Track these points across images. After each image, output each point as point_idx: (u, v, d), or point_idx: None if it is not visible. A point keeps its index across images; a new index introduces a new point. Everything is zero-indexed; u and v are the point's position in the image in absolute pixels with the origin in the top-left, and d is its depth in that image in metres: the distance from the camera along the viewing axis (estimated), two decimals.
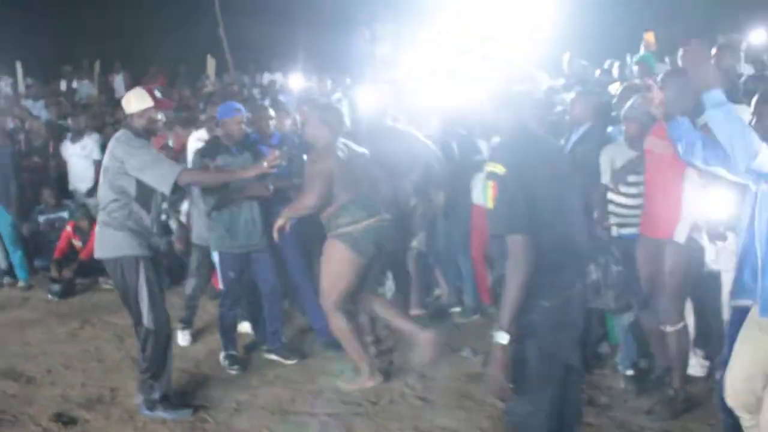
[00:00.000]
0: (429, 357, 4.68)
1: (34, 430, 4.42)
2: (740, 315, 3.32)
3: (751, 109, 3.38)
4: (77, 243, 7.40)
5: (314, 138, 4.78)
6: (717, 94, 3.07)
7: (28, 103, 11.33)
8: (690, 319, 4.41)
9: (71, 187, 8.15)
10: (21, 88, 12.86)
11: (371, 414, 4.41)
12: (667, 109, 3.57)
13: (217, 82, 12.87)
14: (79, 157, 8.01)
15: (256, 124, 5.73)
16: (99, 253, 4.46)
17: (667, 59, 9.01)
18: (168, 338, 4.47)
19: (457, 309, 6.06)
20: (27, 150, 8.61)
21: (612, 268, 3.70)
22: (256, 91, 12.09)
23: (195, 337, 5.79)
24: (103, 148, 7.01)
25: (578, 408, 3.17)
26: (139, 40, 17.36)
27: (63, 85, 13.52)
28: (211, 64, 13.46)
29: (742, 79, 5.31)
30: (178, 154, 7.05)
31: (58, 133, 8.80)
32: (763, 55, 6.65)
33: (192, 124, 7.66)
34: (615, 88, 6.50)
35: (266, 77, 14.13)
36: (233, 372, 5.09)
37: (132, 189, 4.31)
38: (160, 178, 4.24)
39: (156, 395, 4.45)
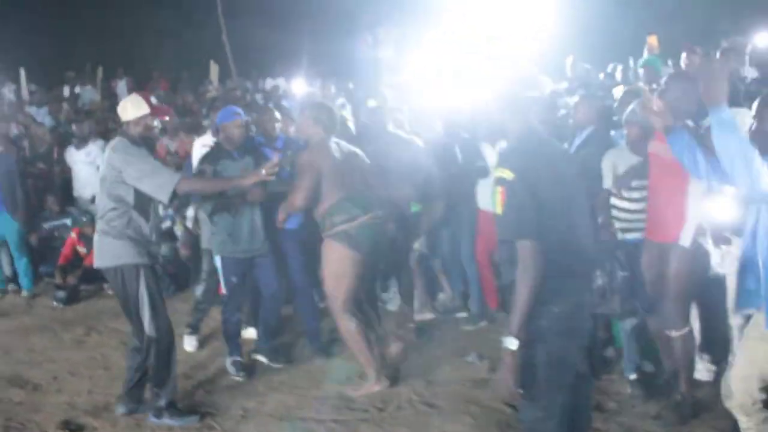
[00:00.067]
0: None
1: None
2: None
3: (753, 112, 3.38)
4: (82, 249, 7.40)
5: (306, 136, 4.83)
6: (724, 114, 3.05)
7: (31, 110, 11.36)
8: (695, 324, 4.41)
9: (76, 193, 8.16)
10: (24, 94, 12.90)
11: (378, 420, 4.41)
12: (671, 112, 3.59)
13: (220, 88, 12.90)
14: (83, 163, 8.02)
15: (262, 126, 5.76)
16: (99, 263, 4.44)
17: (670, 62, 9.01)
18: (171, 345, 4.46)
19: (463, 314, 6.05)
20: (31, 156, 8.63)
21: (618, 273, 3.70)
22: (259, 96, 12.12)
23: (201, 343, 5.79)
24: None
25: (588, 414, 3.17)
26: (140, 40, 17.40)
27: (66, 91, 13.56)
28: (214, 69, 13.48)
29: (747, 81, 5.32)
30: (182, 161, 7.07)
31: (62, 139, 8.82)
32: None
33: (195, 130, 7.69)
34: (618, 92, 6.50)
35: (269, 82, 14.17)
36: (239, 378, 5.09)
37: (130, 197, 4.29)
38: (159, 187, 4.23)
39: (162, 402, 4.45)
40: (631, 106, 4.50)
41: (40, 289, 7.57)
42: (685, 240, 4.02)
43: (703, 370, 4.52)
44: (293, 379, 5.05)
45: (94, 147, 8.01)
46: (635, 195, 4.48)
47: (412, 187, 5.29)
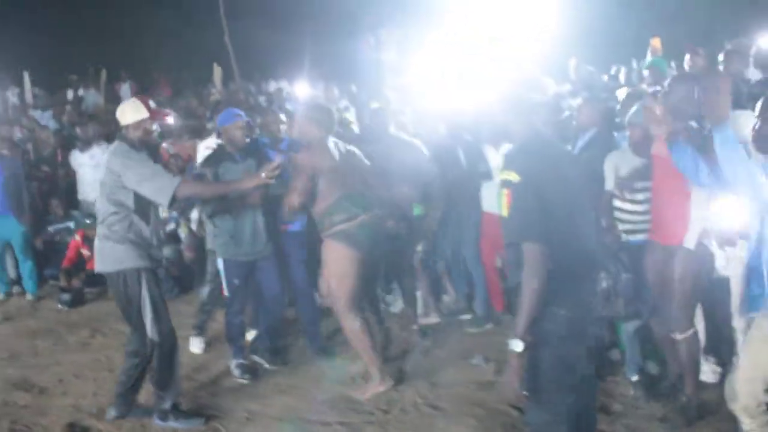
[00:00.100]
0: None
1: None
2: None
3: (756, 112, 3.39)
4: (86, 252, 7.40)
5: (304, 136, 4.86)
6: (727, 132, 3.14)
7: (35, 114, 11.39)
8: (700, 326, 4.41)
9: (80, 196, 8.17)
10: (28, 97, 12.92)
11: (383, 423, 4.41)
12: (674, 114, 3.62)
13: (223, 91, 12.92)
14: (88, 166, 8.03)
15: (266, 128, 5.76)
16: (100, 267, 4.43)
17: (673, 64, 9.00)
18: (173, 348, 4.46)
19: (467, 316, 6.05)
20: (35, 160, 8.65)
21: (621, 276, 3.70)
22: (262, 99, 12.13)
23: (206, 345, 5.79)
24: None
25: (593, 416, 3.17)
26: (140, 41, 17.40)
27: (70, 94, 13.59)
28: (217, 72, 13.49)
29: (751, 83, 5.30)
30: (186, 164, 7.09)
31: (66, 143, 8.84)
32: None
33: (199, 133, 7.71)
34: (622, 94, 6.50)
35: (272, 85, 14.18)
36: (244, 381, 5.10)
37: (130, 202, 4.28)
38: (159, 191, 4.22)
39: (167, 405, 4.46)
40: (633, 108, 4.50)
41: (45, 291, 7.58)
42: (690, 242, 4.02)
43: (708, 372, 4.52)
44: (298, 382, 5.05)
45: (98, 150, 8.02)
46: (639, 197, 4.48)
47: (412, 189, 5.31)
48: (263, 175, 4.32)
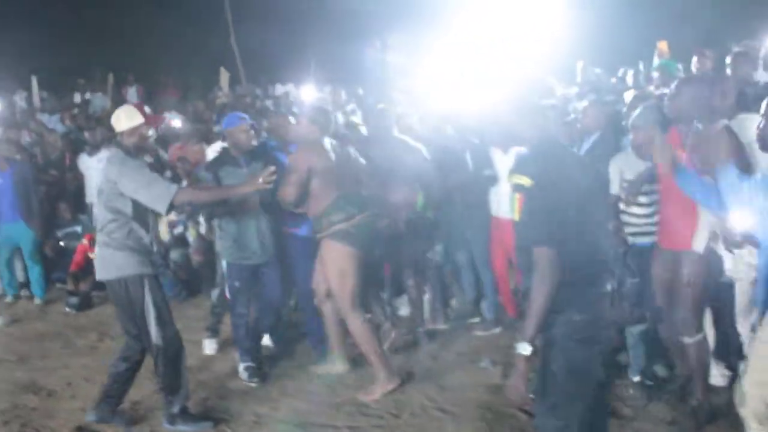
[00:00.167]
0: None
1: None
2: None
3: (762, 111, 3.39)
4: (93, 256, 7.42)
5: (301, 136, 4.90)
6: (731, 175, 3.41)
7: (43, 117, 11.42)
8: (709, 329, 4.39)
9: (88, 200, 8.18)
10: (36, 101, 12.97)
11: (392, 426, 4.41)
12: (680, 115, 3.64)
13: (230, 94, 12.94)
14: (96, 170, 8.00)
15: (276, 131, 5.77)
16: (101, 275, 4.42)
17: (680, 66, 8.97)
18: (179, 352, 4.45)
19: (475, 320, 6.04)
20: (43, 163, 8.67)
21: (627, 280, 3.69)
22: (269, 103, 12.14)
23: (218, 347, 5.79)
24: None
25: (605, 421, 3.16)
26: (145, 43, 17.41)
27: (77, 98, 13.63)
28: (224, 76, 13.52)
29: (759, 86, 5.28)
30: (193, 168, 7.09)
31: (74, 146, 8.86)
32: None
33: (206, 137, 7.72)
34: (629, 96, 6.49)
35: (279, 88, 14.19)
36: (252, 384, 5.10)
37: (128, 209, 4.28)
38: (156, 198, 4.21)
39: (175, 409, 4.46)
40: (636, 111, 4.49)
41: (53, 295, 7.60)
42: (699, 246, 4.01)
43: (718, 376, 4.50)
44: (307, 386, 5.05)
45: (106, 153, 8.04)
46: (645, 200, 4.47)
47: (411, 191, 5.33)
48: (260, 179, 4.29)
